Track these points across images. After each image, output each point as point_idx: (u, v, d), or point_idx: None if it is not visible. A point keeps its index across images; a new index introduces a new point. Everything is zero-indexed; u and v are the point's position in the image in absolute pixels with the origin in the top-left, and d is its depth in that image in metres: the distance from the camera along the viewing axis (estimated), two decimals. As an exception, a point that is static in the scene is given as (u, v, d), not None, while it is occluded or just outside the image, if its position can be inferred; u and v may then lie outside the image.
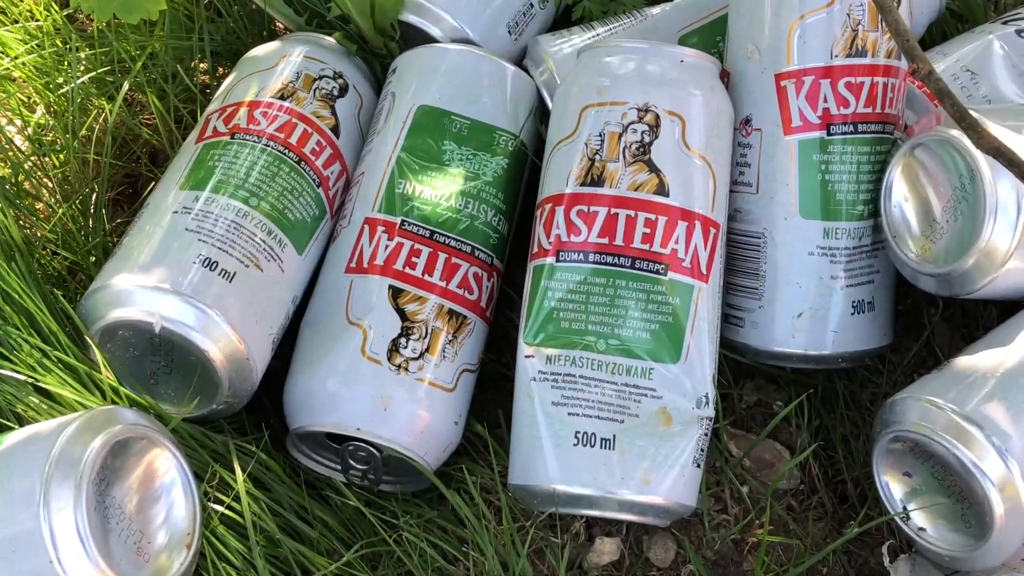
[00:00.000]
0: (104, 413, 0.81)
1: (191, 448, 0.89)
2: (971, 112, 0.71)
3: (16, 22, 1.09)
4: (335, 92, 1.01)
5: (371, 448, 0.91)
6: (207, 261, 0.89)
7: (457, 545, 0.90)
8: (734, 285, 0.94)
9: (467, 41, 1.05)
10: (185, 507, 0.83)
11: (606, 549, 0.90)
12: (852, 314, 0.92)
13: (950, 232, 0.86)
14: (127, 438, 0.80)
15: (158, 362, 0.90)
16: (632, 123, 0.88)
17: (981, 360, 0.85)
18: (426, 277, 0.92)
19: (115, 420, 0.80)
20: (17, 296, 0.88)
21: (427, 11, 1.05)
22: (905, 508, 0.87)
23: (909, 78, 0.94)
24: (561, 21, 1.11)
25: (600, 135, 0.88)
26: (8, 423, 0.85)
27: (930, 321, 1.00)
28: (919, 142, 0.88)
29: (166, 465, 0.82)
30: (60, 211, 1.02)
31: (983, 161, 0.82)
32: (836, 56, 0.90)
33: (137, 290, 0.87)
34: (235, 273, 0.89)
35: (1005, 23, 1.01)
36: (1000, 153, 0.69)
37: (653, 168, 0.87)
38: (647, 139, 0.87)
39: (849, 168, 0.91)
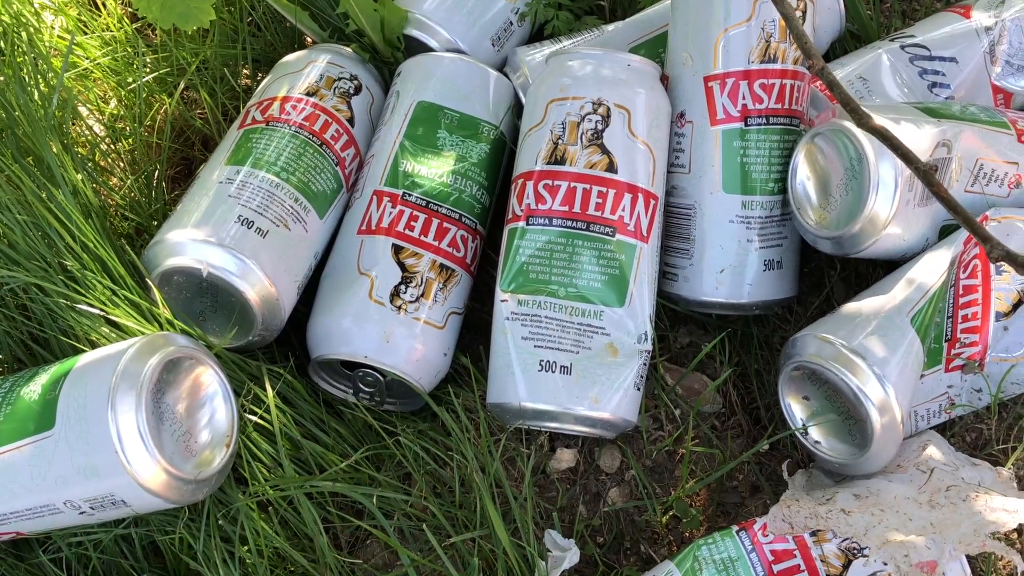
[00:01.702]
0: (160, 337, 0.81)
1: (231, 370, 0.89)
2: (856, 101, 0.73)
3: (94, 32, 1.09)
4: (351, 91, 1.01)
5: (377, 374, 0.92)
6: (245, 221, 0.89)
7: (445, 452, 0.90)
8: (669, 247, 0.94)
9: (458, 51, 1.05)
10: (225, 413, 0.83)
11: (565, 457, 0.90)
12: (764, 271, 0.92)
13: (842, 204, 0.86)
14: (178, 357, 0.80)
15: (205, 302, 0.90)
16: (588, 114, 0.88)
17: (865, 305, 0.86)
18: (422, 238, 0.93)
19: (169, 342, 0.81)
20: (92, 247, 0.88)
21: (427, 26, 1.05)
22: (804, 425, 0.87)
23: (812, 81, 0.96)
24: (536, 36, 1.11)
25: (563, 124, 0.88)
26: (84, 348, 0.86)
27: (829, 280, 1.00)
28: (818, 132, 0.88)
29: (210, 379, 0.83)
30: (128, 183, 1.02)
31: (868, 146, 0.83)
32: (752, 62, 0.90)
33: (189, 243, 0.88)
34: (268, 231, 0.90)
35: (892, 40, 1.00)
36: (877, 132, 0.70)
37: (605, 151, 0.87)
38: (600, 127, 0.88)
39: (762, 153, 0.91)
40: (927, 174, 0.65)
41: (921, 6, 1.12)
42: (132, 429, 0.76)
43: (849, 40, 1.07)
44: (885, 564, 0.79)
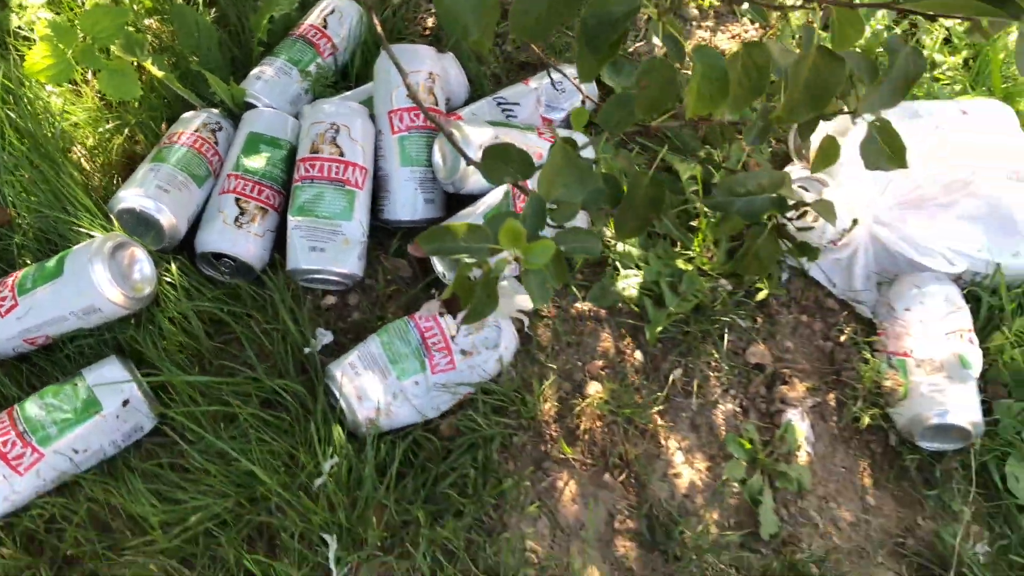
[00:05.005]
0: (114, 235, 1.13)
1: (155, 257, 1.18)
2: (439, 118, 1.13)
3: (79, 103, 1.39)
4: (217, 129, 1.30)
5: (230, 260, 1.21)
6: (160, 187, 1.20)
7: (264, 294, 1.21)
8: (378, 195, 1.23)
9: (272, 108, 1.34)
10: (149, 269, 1.14)
11: (329, 298, 1.23)
12: (425, 204, 1.25)
13: (451, 167, 1.23)
14: (123, 242, 1.11)
15: (141, 228, 1.18)
16: (327, 130, 1.23)
17: (466, 211, 1.23)
18: (251, 194, 1.22)
19: (119, 238, 1.12)
20: (82, 200, 1.20)
21: (256, 97, 1.31)
22: (443, 275, 1.28)
23: (453, 115, 1.34)
24: (315, 99, 1.46)
25: (317, 134, 1.23)
26: (78, 242, 1.14)
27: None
28: (439, 134, 1.24)
29: (141, 254, 1.14)
30: (100, 176, 1.33)
31: (451, 139, 1.26)
32: (407, 102, 1.26)
33: (131, 196, 1.17)
34: (170, 192, 1.19)
35: (492, 97, 1.37)
36: (442, 129, 1.11)
37: (338, 146, 1.22)
38: (334, 135, 1.22)
39: (418, 146, 1.23)
40: (461, 152, 1.07)
41: (510, 82, 1.54)
42: (103, 272, 1.08)
43: (474, 98, 1.44)
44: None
